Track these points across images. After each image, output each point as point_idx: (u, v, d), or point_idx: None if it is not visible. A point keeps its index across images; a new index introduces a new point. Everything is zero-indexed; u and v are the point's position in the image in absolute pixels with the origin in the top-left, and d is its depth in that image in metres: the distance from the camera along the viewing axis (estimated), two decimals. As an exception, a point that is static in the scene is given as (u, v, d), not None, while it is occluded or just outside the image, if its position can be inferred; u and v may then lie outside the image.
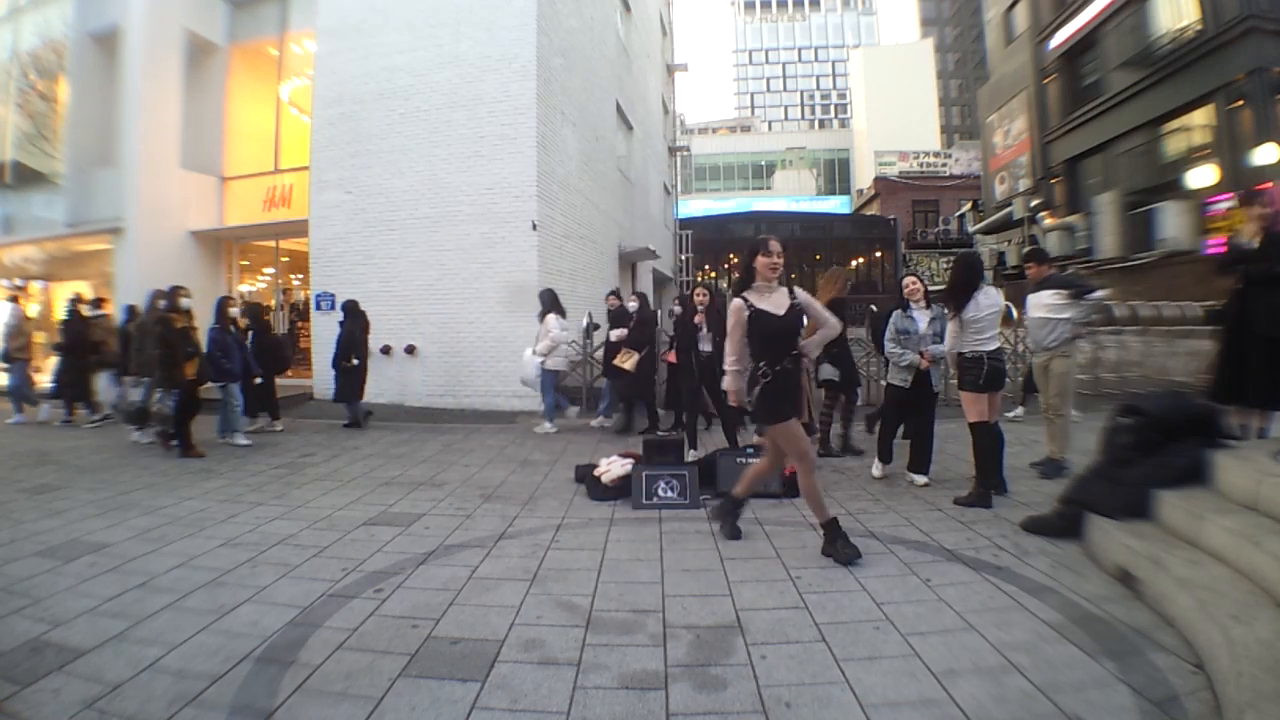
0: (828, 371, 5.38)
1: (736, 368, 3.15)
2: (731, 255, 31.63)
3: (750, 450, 4.47)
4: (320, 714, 1.95)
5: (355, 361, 7.40)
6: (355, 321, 7.55)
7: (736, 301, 3.12)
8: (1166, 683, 2.04)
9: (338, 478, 5.10)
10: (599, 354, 8.85)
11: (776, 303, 3.10)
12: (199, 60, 11.20)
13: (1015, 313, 9.22)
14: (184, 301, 6.09)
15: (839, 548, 3.09)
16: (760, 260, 3.10)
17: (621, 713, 1.94)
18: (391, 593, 2.84)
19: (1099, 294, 4.72)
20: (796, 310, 3.12)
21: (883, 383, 5.09)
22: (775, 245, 3.12)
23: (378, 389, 8.96)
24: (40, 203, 11.40)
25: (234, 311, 6.75)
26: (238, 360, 6.45)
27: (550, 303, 7.07)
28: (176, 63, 10.74)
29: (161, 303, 6.31)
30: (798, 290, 3.18)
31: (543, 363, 6.91)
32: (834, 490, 4.46)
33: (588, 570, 3.09)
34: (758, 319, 3.07)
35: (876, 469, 4.79)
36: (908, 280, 4.69)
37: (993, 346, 4.10)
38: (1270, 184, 11.98)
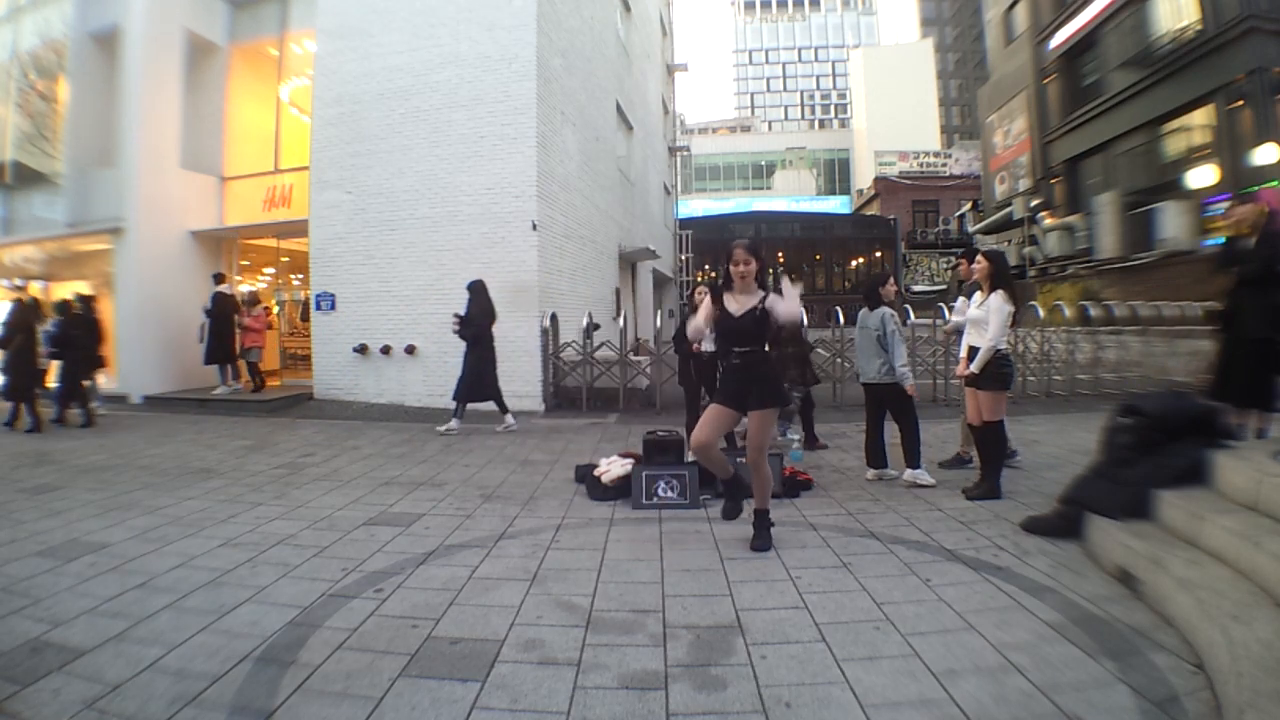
0: None
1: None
2: (732, 255, 31.66)
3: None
4: (320, 714, 1.95)
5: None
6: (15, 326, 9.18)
7: (709, 296, 3.39)
8: (1166, 683, 2.04)
9: (337, 478, 5.10)
10: (600, 353, 8.86)
11: (740, 304, 3.25)
12: (199, 60, 11.17)
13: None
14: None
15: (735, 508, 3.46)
16: (731, 269, 3.28)
17: (621, 713, 1.94)
18: (391, 593, 2.84)
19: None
20: (752, 316, 3.20)
21: (862, 381, 4.82)
22: (739, 254, 3.24)
23: (378, 389, 8.98)
24: (40, 203, 11.37)
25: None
26: None
27: None
28: (176, 63, 10.71)
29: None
30: (773, 296, 3.21)
31: None
32: (834, 490, 4.46)
33: (588, 570, 3.09)
34: (720, 316, 3.30)
35: (871, 472, 4.77)
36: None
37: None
38: (1270, 184, 12.01)
